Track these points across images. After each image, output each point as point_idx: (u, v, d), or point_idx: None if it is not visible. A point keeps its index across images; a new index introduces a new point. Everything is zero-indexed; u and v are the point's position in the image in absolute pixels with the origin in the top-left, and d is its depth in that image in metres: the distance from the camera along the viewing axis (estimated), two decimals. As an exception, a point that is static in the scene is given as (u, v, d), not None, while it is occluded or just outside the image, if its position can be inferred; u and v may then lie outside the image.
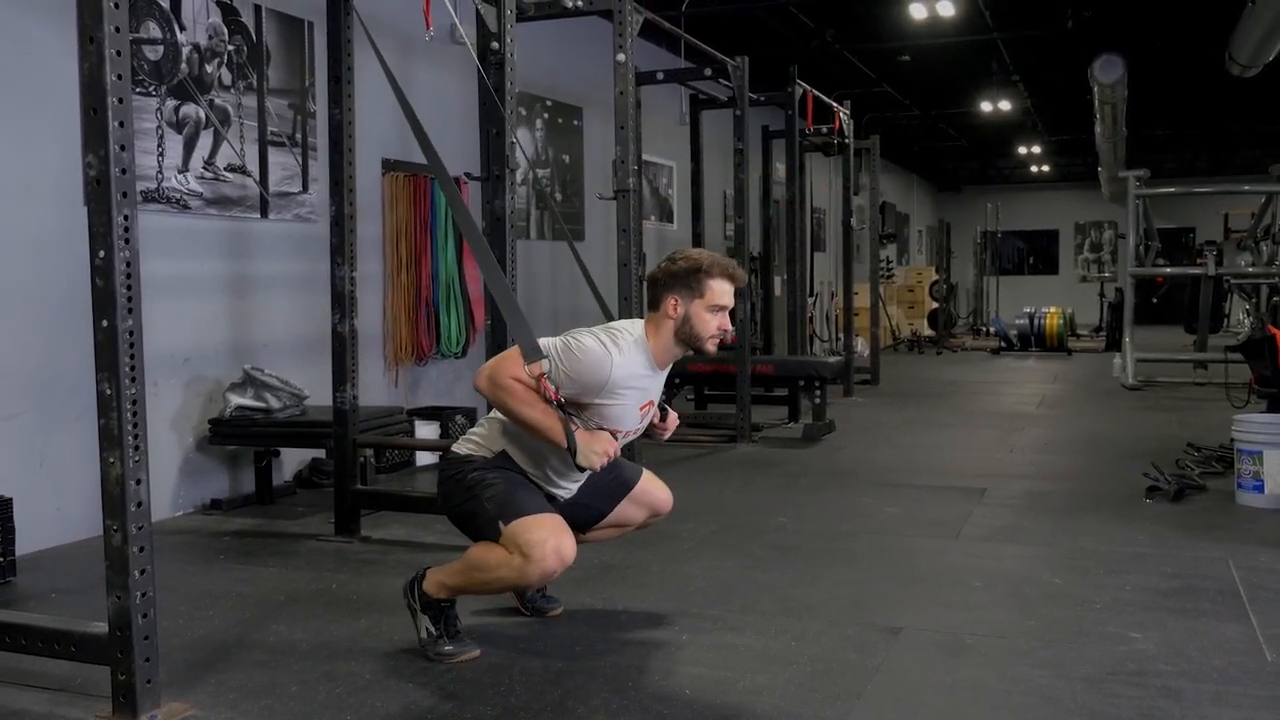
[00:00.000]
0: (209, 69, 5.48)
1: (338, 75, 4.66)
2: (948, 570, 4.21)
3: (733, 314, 3.36)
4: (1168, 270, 13.15)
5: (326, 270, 4.79)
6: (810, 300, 12.75)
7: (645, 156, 9.51)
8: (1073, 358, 14.59)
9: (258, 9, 5.78)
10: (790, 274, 10.21)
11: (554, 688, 3.02)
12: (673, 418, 3.46)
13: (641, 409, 3.29)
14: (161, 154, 5.19)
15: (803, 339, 10.23)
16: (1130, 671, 3.09)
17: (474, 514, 3.21)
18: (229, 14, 5.60)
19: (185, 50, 5.34)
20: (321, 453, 5.89)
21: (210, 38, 5.49)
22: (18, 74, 4.59)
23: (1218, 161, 22.52)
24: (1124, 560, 4.28)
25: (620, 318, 3.98)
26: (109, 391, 2.72)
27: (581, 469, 3.16)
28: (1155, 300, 15.43)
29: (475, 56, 4.39)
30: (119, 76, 2.68)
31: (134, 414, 2.73)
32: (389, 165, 6.70)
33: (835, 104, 10.41)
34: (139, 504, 2.75)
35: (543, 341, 3.14)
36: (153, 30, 5.16)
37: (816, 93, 9.85)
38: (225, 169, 5.56)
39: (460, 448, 3.35)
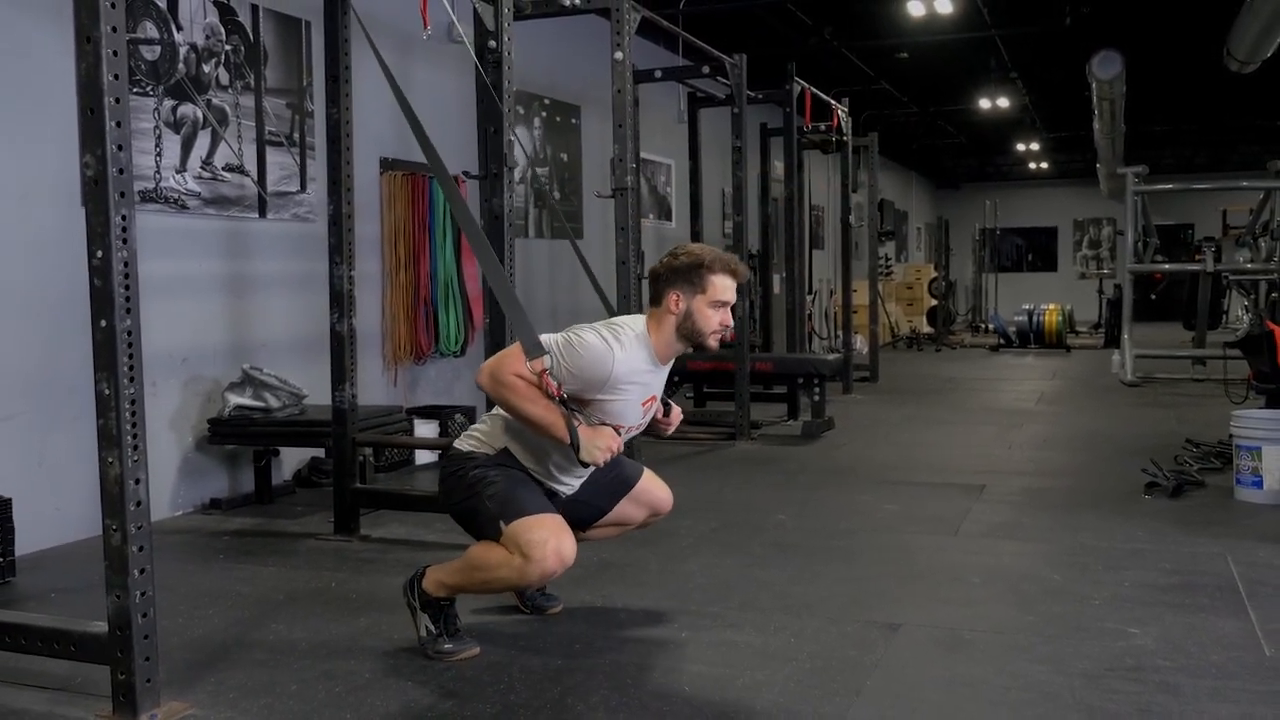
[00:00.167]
0: (206, 69, 5.48)
1: (335, 74, 4.66)
2: (946, 567, 4.21)
3: (733, 310, 3.36)
4: (1166, 267, 13.15)
5: (325, 269, 4.79)
6: (809, 298, 12.76)
7: (643, 154, 9.51)
8: (1071, 354, 14.60)
9: (255, 9, 5.78)
10: (789, 272, 10.22)
11: (553, 685, 3.02)
12: (676, 413, 3.45)
13: (644, 404, 3.29)
14: (159, 154, 5.19)
15: (801, 337, 10.23)
16: (1129, 667, 3.09)
17: (475, 512, 3.21)
18: (226, 14, 5.60)
19: (182, 50, 5.34)
20: (321, 452, 5.89)
21: (207, 37, 5.49)
22: (16, 74, 4.59)
23: (1216, 158, 22.53)
24: (1123, 556, 4.29)
25: (621, 315, 3.98)
26: (107, 391, 2.72)
27: (585, 464, 3.15)
28: (1154, 297, 15.41)
29: (473, 54, 4.39)
30: (116, 76, 2.68)
31: (132, 414, 2.74)
32: (387, 164, 6.70)
33: (833, 101, 10.41)
34: (138, 503, 2.75)
35: (544, 338, 3.14)
36: (150, 30, 5.16)
37: (814, 90, 9.85)
38: (223, 169, 5.56)
39: (462, 444, 3.35)
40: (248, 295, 5.74)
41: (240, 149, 5.67)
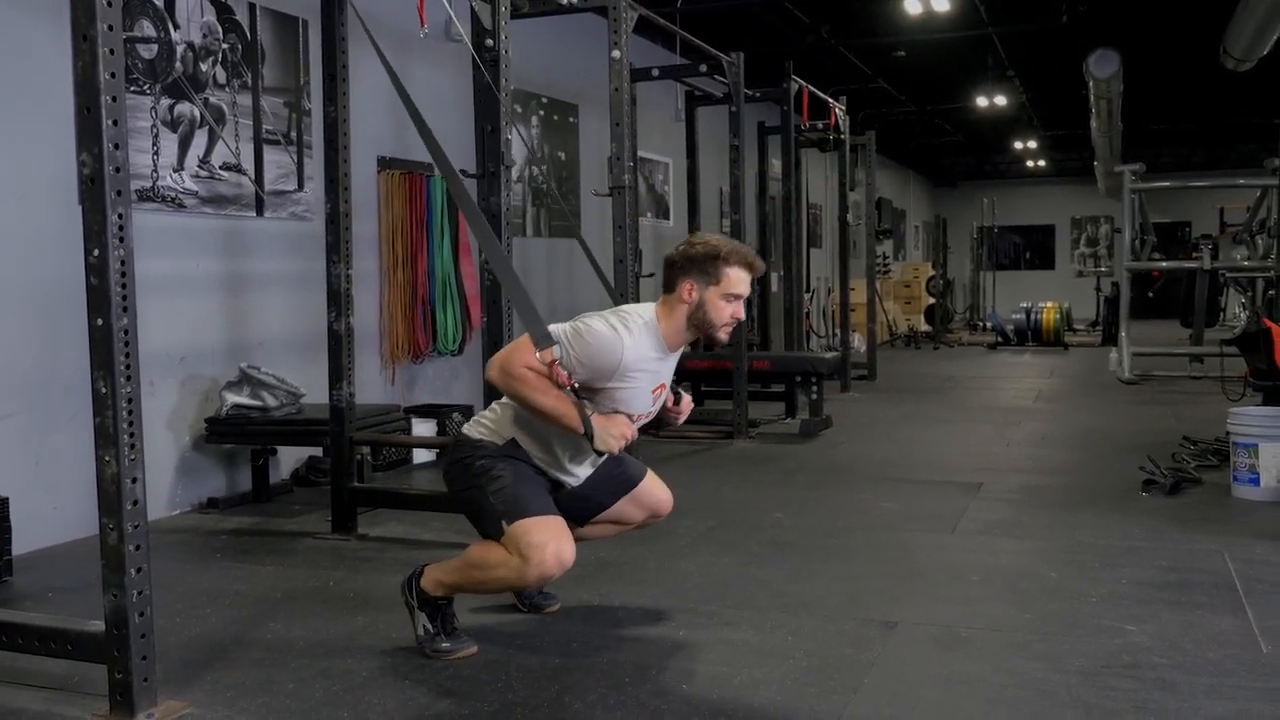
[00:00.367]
0: (204, 67, 5.47)
1: (332, 73, 4.66)
2: (944, 565, 4.21)
3: (750, 301, 3.33)
4: (1164, 264, 13.17)
5: (322, 268, 4.79)
6: (807, 296, 12.77)
7: (641, 153, 9.51)
8: (1069, 352, 14.61)
9: (252, 7, 5.78)
10: (787, 270, 10.22)
11: (551, 684, 3.02)
12: (686, 401, 3.43)
13: (654, 392, 3.26)
14: (156, 152, 5.19)
15: (799, 335, 10.23)
16: (1125, 664, 3.10)
17: (479, 505, 3.20)
18: (223, 12, 5.59)
19: (180, 48, 5.33)
20: (318, 451, 5.89)
21: (205, 36, 5.48)
22: (13, 72, 4.59)
23: (1213, 156, 22.55)
24: (1120, 554, 4.29)
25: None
26: (104, 390, 2.72)
27: (599, 453, 3.14)
28: (1151, 294, 15.43)
29: (472, 50, 4.37)
30: (112, 75, 2.68)
31: (129, 412, 2.73)
32: (384, 163, 6.70)
33: (831, 100, 10.41)
34: (135, 502, 2.75)
35: (553, 328, 3.12)
36: (147, 28, 5.16)
37: (812, 89, 9.85)
38: (220, 167, 5.56)
39: (471, 431, 3.33)
40: (245, 294, 5.73)
41: (237, 147, 5.67)
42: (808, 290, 13.07)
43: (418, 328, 6.78)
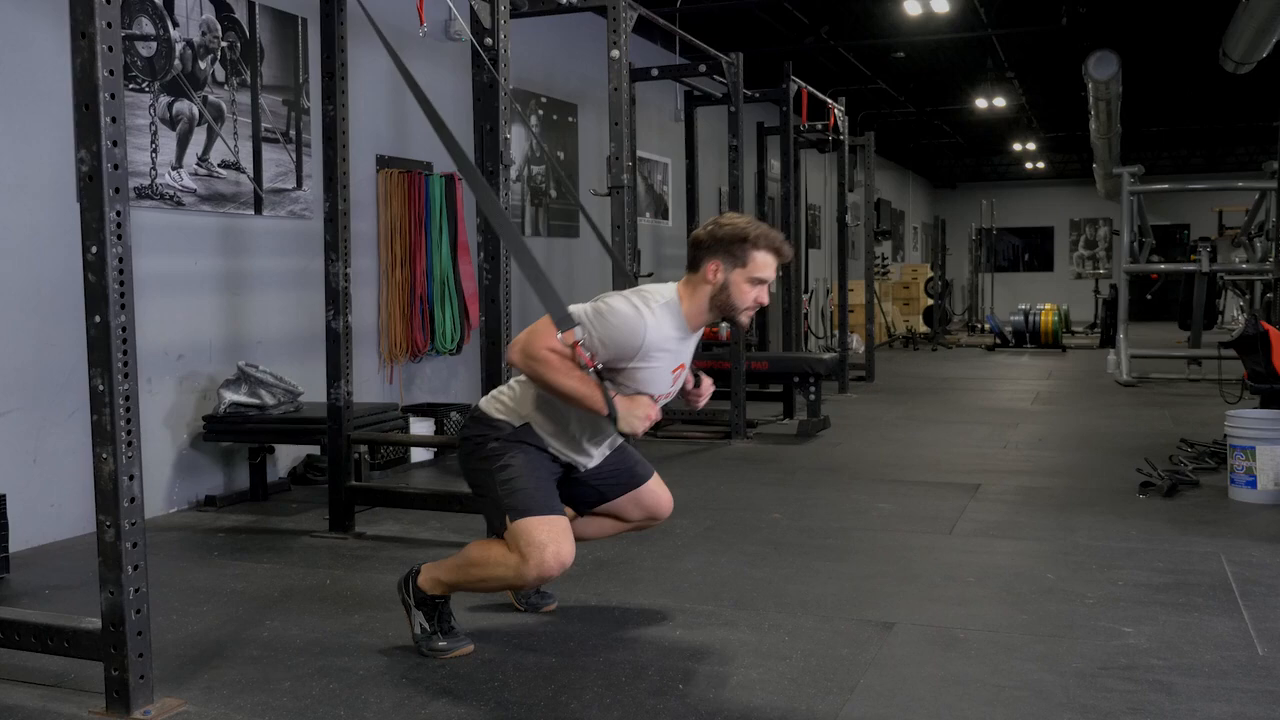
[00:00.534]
0: (202, 65, 5.47)
1: (331, 71, 4.66)
2: (941, 566, 4.21)
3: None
4: (1162, 267, 13.18)
5: (321, 266, 4.79)
6: (805, 297, 12.77)
7: (640, 153, 9.52)
8: (1067, 354, 14.62)
9: (251, 5, 5.77)
10: (785, 271, 10.22)
11: (548, 683, 3.02)
12: (707, 383, 3.38)
13: (673, 372, 3.21)
14: (155, 150, 5.19)
15: (798, 336, 10.24)
16: (1122, 666, 3.10)
17: (486, 491, 3.18)
18: (222, 10, 5.59)
19: (178, 46, 5.33)
20: (316, 449, 5.88)
21: (203, 34, 5.48)
22: (12, 70, 4.59)
23: (1212, 158, 22.58)
24: (1117, 555, 4.30)
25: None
26: (102, 387, 2.72)
27: (623, 435, 3.11)
28: (1149, 297, 15.45)
29: (479, 47, 4.35)
30: (111, 72, 2.68)
31: (127, 410, 2.73)
32: (383, 161, 6.70)
33: (830, 100, 10.41)
34: (132, 500, 2.75)
35: (573, 308, 3.08)
36: (146, 26, 5.16)
37: (811, 89, 9.85)
38: (219, 165, 5.56)
39: (489, 408, 3.28)
40: (243, 292, 5.73)
41: (236, 145, 5.67)
42: (806, 291, 13.07)
43: (416, 326, 6.78)
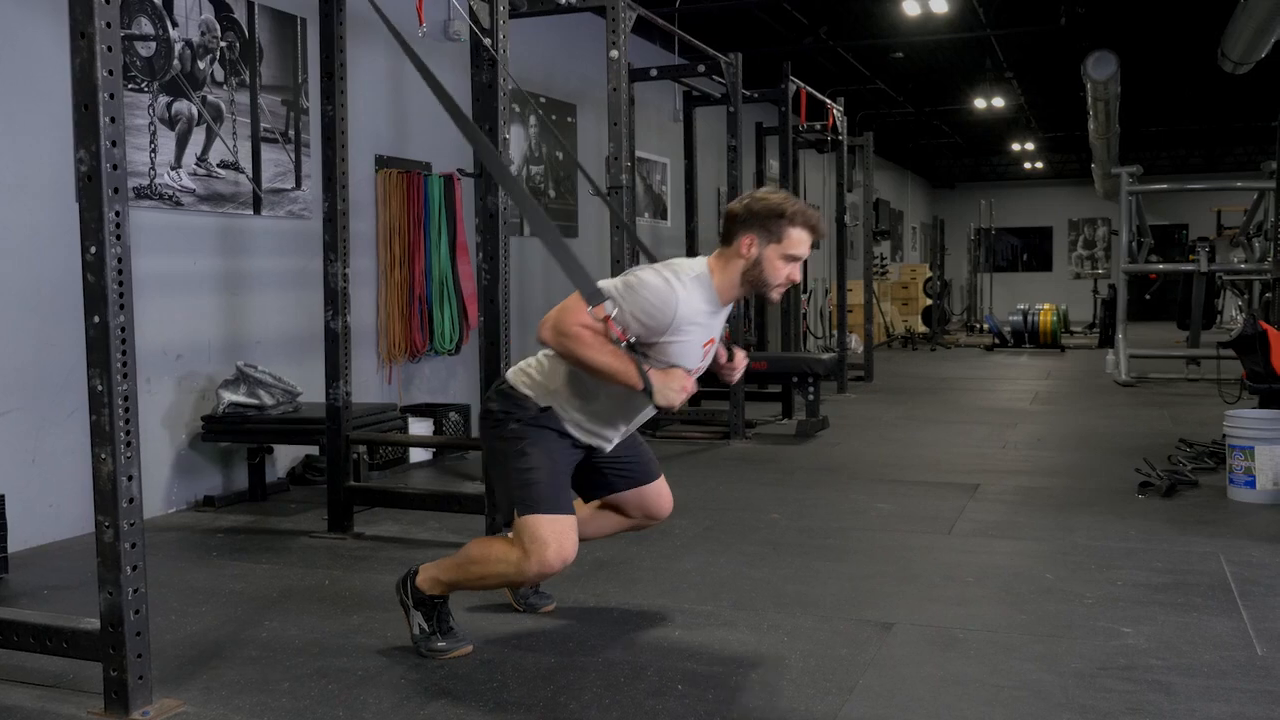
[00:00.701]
0: (201, 65, 5.47)
1: (330, 71, 4.66)
2: (940, 566, 4.22)
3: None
4: (1161, 267, 13.18)
5: (319, 267, 4.79)
6: (804, 297, 12.77)
7: (639, 153, 9.51)
8: (1066, 354, 14.63)
9: (250, 5, 5.77)
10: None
11: (546, 684, 3.02)
12: (740, 356, 3.34)
13: (704, 346, 3.17)
14: (154, 150, 5.18)
15: (796, 336, 10.24)
16: (1121, 666, 3.10)
17: (500, 474, 3.17)
18: (221, 10, 5.59)
19: (178, 46, 5.33)
20: (315, 449, 5.88)
21: (203, 34, 5.48)
22: (11, 69, 4.59)
23: (1211, 158, 22.60)
24: (1116, 555, 4.30)
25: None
26: (101, 388, 2.72)
27: (659, 408, 3.05)
28: (1148, 297, 15.44)
29: (483, 38, 4.34)
30: (110, 72, 2.68)
31: (126, 410, 2.73)
32: (382, 161, 6.70)
33: (829, 101, 10.42)
34: (131, 500, 2.75)
35: (602, 284, 3.04)
36: (145, 26, 5.16)
37: (810, 89, 9.86)
38: (218, 165, 5.56)
39: (516, 381, 3.21)
40: (242, 292, 5.73)
41: (235, 145, 5.67)
42: (805, 291, 13.07)
43: (415, 327, 6.78)
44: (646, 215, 10.60)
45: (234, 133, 5.67)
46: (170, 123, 5.29)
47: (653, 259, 3.41)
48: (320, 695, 2.96)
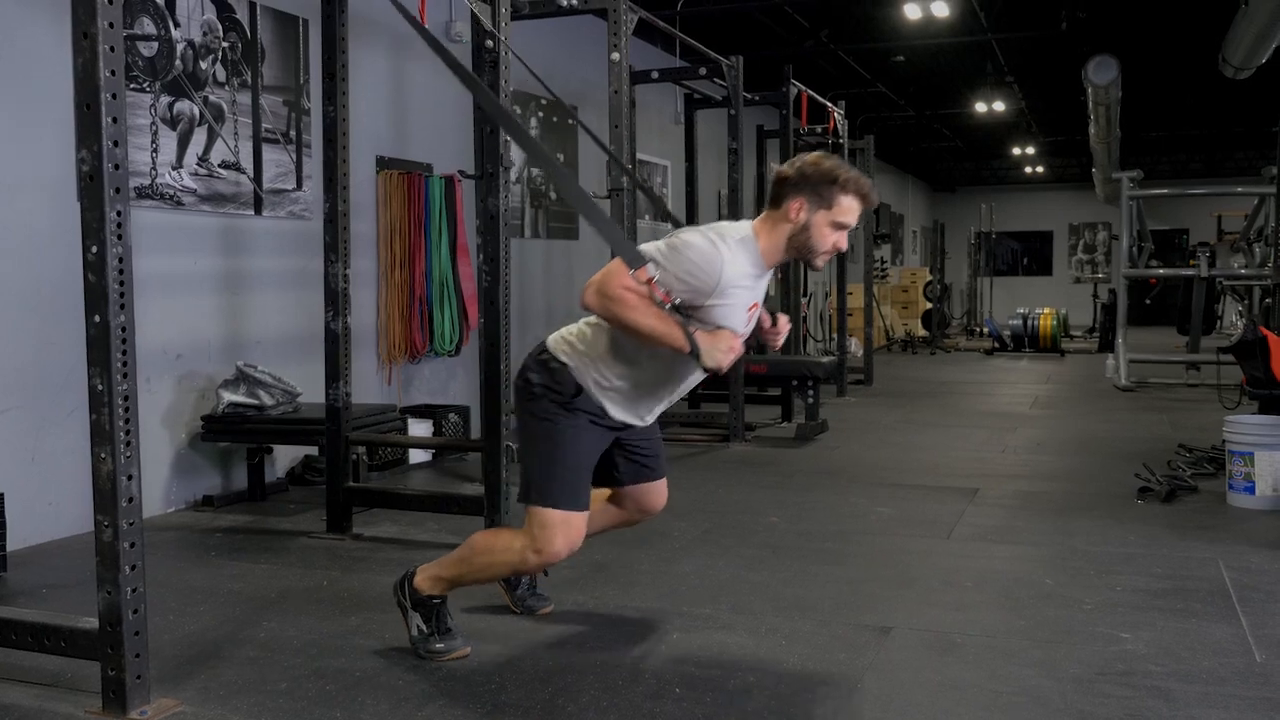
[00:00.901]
0: (203, 65, 5.47)
1: (332, 72, 4.66)
2: (939, 570, 4.21)
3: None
4: (1161, 272, 13.19)
5: (320, 267, 4.79)
6: (804, 300, 12.76)
7: (640, 155, 9.52)
8: (1066, 359, 14.62)
9: (252, 6, 5.78)
10: (784, 274, 10.22)
11: (544, 686, 3.02)
12: (783, 321, 3.29)
13: (748, 310, 3.10)
14: (155, 150, 5.19)
15: (796, 339, 10.23)
16: (1120, 672, 3.10)
17: (526, 450, 3.14)
18: (224, 10, 5.59)
19: (180, 47, 5.33)
20: (314, 450, 5.88)
21: (205, 34, 5.48)
22: (12, 69, 4.59)
23: (1211, 163, 22.60)
24: (1115, 561, 4.30)
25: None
26: (101, 387, 2.72)
27: (707, 370, 3.00)
28: (1148, 301, 15.45)
29: (498, 35, 4.33)
30: (112, 72, 2.68)
31: (125, 410, 2.73)
32: (383, 163, 6.70)
33: (830, 104, 10.41)
34: (130, 500, 2.75)
35: (644, 247, 3.00)
36: (147, 26, 5.16)
37: (811, 93, 9.85)
38: (219, 165, 5.56)
39: (556, 348, 3.14)
40: (243, 292, 5.73)
41: (236, 146, 5.67)
42: (805, 294, 13.07)
43: (415, 328, 6.78)
44: (647, 218, 10.60)
45: (235, 133, 5.67)
46: (172, 123, 5.29)
47: (676, 220, 3.38)
48: (318, 696, 2.95)
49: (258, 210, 5.80)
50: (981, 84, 14.84)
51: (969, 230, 21.09)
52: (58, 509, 4.72)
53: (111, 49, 2.68)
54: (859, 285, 12.49)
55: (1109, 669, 3.12)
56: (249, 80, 5.76)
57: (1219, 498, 5.39)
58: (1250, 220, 12.98)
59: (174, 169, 5.30)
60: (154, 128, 5.18)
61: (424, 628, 3.25)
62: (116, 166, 2.71)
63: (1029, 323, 15.52)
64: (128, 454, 2.74)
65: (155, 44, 5.19)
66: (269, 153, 5.87)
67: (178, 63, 5.32)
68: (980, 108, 15.93)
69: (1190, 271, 11.57)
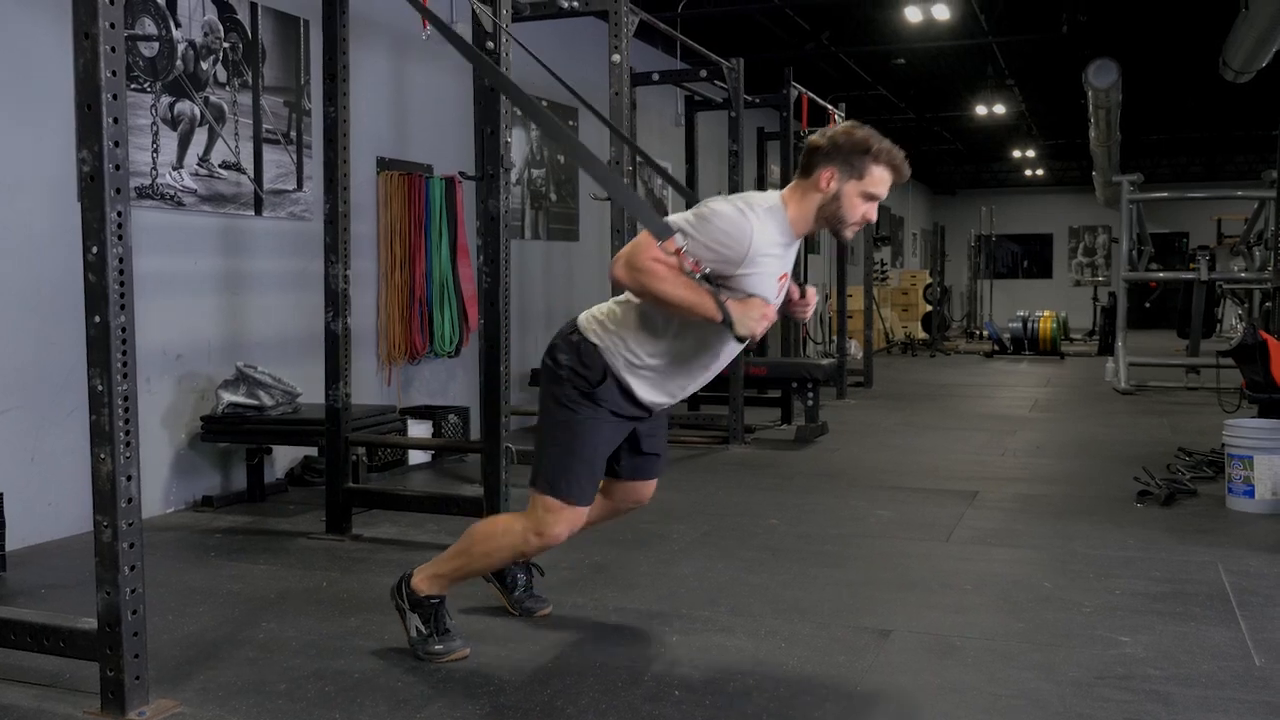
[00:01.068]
0: (204, 66, 5.47)
1: (333, 73, 4.66)
2: (938, 573, 4.21)
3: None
4: (1161, 275, 13.19)
5: (320, 268, 4.79)
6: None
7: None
8: (1066, 361, 14.62)
9: (254, 6, 5.78)
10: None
11: (543, 688, 3.02)
12: (811, 292, 3.28)
13: (779, 280, 3.08)
14: (156, 150, 5.19)
15: (796, 341, 10.24)
16: (1119, 675, 3.10)
17: (544, 434, 3.14)
18: (225, 11, 5.59)
19: (181, 47, 5.33)
20: (314, 450, 5.88)
21: (206, 35, 5.48)
22: (13, 69, 4.59)
23: (1211, 166, 22.60)
24: (1114, 564, 4.30)
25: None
26: (100, 387, 2.72)
27: (740, 339, 2.98)
28: (1148, 305, 15.45)
29: (506, 31, 4.32)
30: (113, 72, 2.68)
31: (125, 410, 2.73)
32: (383, 164, 6.70)
33: (830, 106, 10.42)
34: (129, 500, 2.75)
35: (672, 218, 2.99)
36: (148, 27, 5.16)
37: (811, 95, 9.86)
38: (220, 166, 5.56)
39: (587, 327, 3.13)
40: (243, 293, 5.73)
41: (237, 146, 5.67)
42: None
43: (415, 329, 6.78)
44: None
45: (236, 134, 5.67)
46: (172, 123, 5.29)
47: (694, 198, 3.37)
48: (317, 697, 2.95)
49: (258, 211, 5.80)
50: (982, 87, 14.85)
51: (969, 233, 21.10)
52: (57, 509, 4.72)
53: (113, 49, 2.68)
54: (859, 287, 12.49)
55: (1108, 672, 3.12)
56: (250, 81, 5.76)
57: (1218, 501, 5.39)
58: (1250, 224, 12.99)
59: (174, 169, 5.30)
60: (155, 128, 5.19)
61: (423, 629, 3.25)
62: (117, 167, 2.71)
63: (1029, 326, 15.52)
64: (127, 454, 2.74)
65: (156, 44, 5.20)
66: (269, 153, 5.88)
67: (179, 63, 5.32)
68: (981, 111, 15.94)
69: (1190, 275, 11.58)
